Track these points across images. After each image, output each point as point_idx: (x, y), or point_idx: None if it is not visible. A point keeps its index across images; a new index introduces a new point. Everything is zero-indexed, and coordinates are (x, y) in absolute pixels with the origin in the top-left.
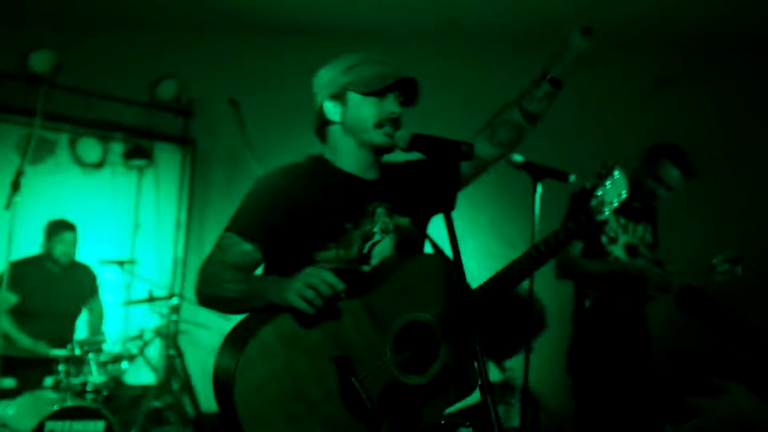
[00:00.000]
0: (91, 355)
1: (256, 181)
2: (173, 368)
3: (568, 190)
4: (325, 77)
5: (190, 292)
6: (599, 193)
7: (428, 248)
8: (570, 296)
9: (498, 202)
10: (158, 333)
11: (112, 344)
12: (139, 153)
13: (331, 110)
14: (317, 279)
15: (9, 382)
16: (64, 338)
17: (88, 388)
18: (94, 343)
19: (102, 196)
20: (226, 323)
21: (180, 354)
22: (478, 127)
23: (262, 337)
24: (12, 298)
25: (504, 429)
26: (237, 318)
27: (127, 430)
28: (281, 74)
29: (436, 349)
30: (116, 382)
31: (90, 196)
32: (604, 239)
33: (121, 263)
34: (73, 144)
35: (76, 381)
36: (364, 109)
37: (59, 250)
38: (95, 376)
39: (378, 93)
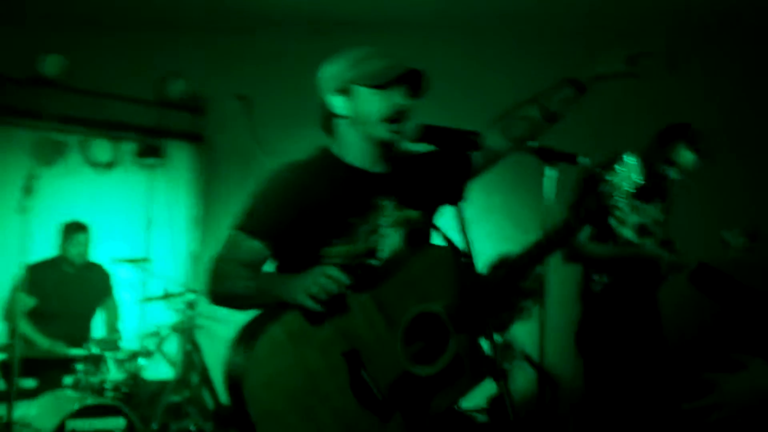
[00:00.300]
0: (108, 354)
1: (264, 179)
2: (191, 363)
3: (579, 172)
4: (331, 71)
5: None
6: (611, 179)
7: (437, 239)
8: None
9: (511, 187)
10: (175, 329)
11: (129, 342)
12: (150, 152)
13: (338, 104)
14: (322, 276)
15: (30, 383)
16: (81, 338)
17: (107, 386)
18: (111, 342)
19: (115, 195)
20: (243, 317)
21: (197, 348)
22: (479, 115)
23: (271, 334)
24: (30, 302)
25: (519, 415)
26: (255, 311)
27: (148, 426)
28: (289, 69)
29: (446, 339)
30: (135, 379)
31: (103, 196)
32: (613, 222)
33: (135, 261)
34: (84, 145)
35: (94, 379)
36: (371, 103)
37: (73, 252)
38: (113, 374)
39: (385, 86)
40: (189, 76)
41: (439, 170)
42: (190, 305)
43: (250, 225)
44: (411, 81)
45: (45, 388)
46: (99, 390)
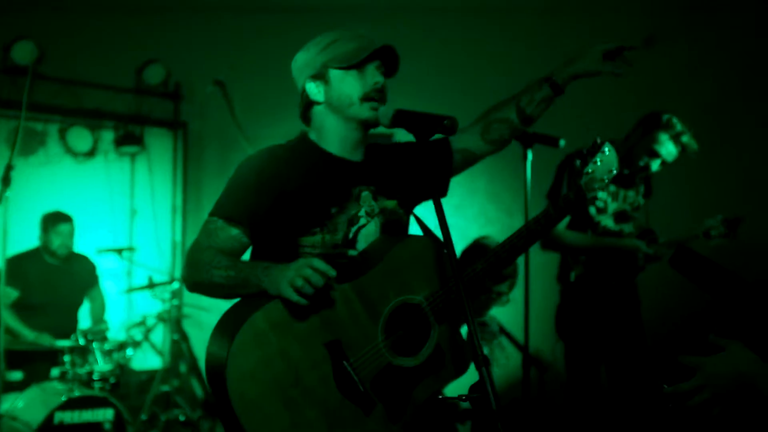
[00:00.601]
0: (95, 345)
1: (241, 164)
2: (179, 352)
3: (561, 154)
4: (303, 59)
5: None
6: (589, 170)
7: (415, 230)
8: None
9: (494, 170)
10: (161, 318)
11: (115, 332)
12: (130, 140)
13: (314, 90)
14: (308, 269)
15: (16, 375)
16: (67, 329)
17: (95, 377)
18: (97, 333)
19: (96, 185)
20: (229, 305)
21: (185, 338)
22: (459, 100)
23: (253, 323)
24: (13, 293)
25: (501, 403)
26: (235, 300)
27: (136, 416)
28: (267, 53)
29: (428, 330)
30: (122, 370)
31: (84, 186)
32: (592, 210)
33: (119, 251)
34: (63, 134)
35: (82, 371)
36: (348, 85)
37: (56, 243)
38: (101, 365)
39: (358, 65)
40: (167, 62)
41: (419, 163)
42: (176, 294)
43: (227, 211)
44: (384, 58)
45: (32, 381)
46: (87, 381)
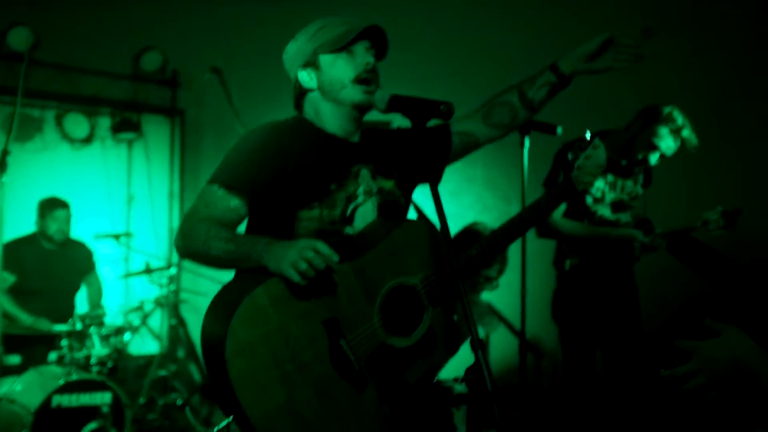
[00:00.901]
0: (92, 329)
1: (243, 136)
2: (177, 337)
3: (558, 142)
4: (293, 49)
5: (188, 262)
6: (579, 164)
7: (411, 213)
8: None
9: (492, 157)
10: (159, 303)
11: (113, 317)
12: (127, 126)
13: (306, 78)
14: (312, 252)
15: (14, 359)
16: (64, 314)
17: (92, 361)
18: (94, 317)
19: (93, 171)
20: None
21: (183, 322)
22: (458, 89)
23: (253, 298)
24: (10, 278)
25: (497, 385)
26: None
27: (134, 400)
28: (265, 40)
29: (422, 312)
30: (120, 354)
31: (81, 172)
32: (589, 200)
33: (116, 237)
34: (59, 120)
35: (79, 355)
36: (338, 68)
37: (53, 228)
38: (98, 349)
39: (347, 47)
40: (165, 49)
41: (416, 148)
42: (173, 279)
43: (228, 179)
44: (373, 39)
45: (30, 365)
46: (84, 365)
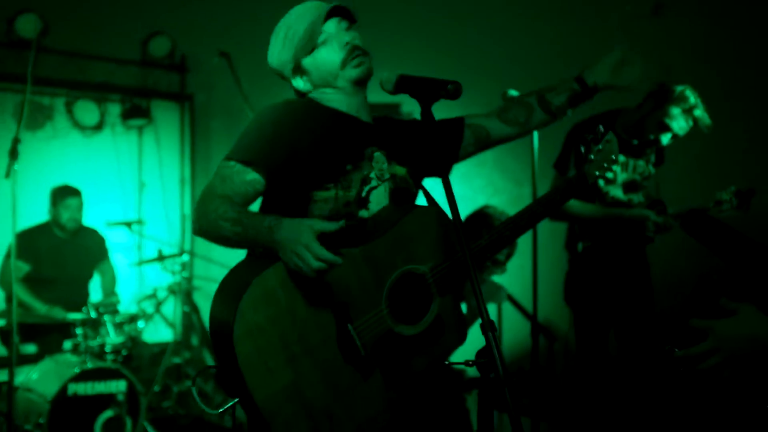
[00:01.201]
0: (106, 317)
1: (259, 113)
2: (191, 324)
3: (569, 123)
4: (276, 62)
5: (200, 248)
6: (592, 156)
7: (421, 200)
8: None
9: None
10: (172, 290)
11: (127, 305)
12: (137, 112)
13: (301, 84)
14: (311, 256)
15: (30, 348)
16: (78, 302)
17: (107, 349)
18: (108, 305)
19: (104, 158)
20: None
21: (196, 309)
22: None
23: (263, 280)
24: (24, 267)
25: (508, 369)
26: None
27: (149, 388)
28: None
29: (430, 300)
30: (134, 342)
31: (92, 159)
32: (601, 182)
33: (129, 224)
34: (69, 108)
35: (94, 343)
36: (323, 63)
37: (65, 216)
38: (113, 337)
39: (320, 41)
40: (173, 34)
41: (428, 138)
42: (186, 266)
43: (244, 155)
44: (337, 10)
45: (45, 353)
46: (99, 354)
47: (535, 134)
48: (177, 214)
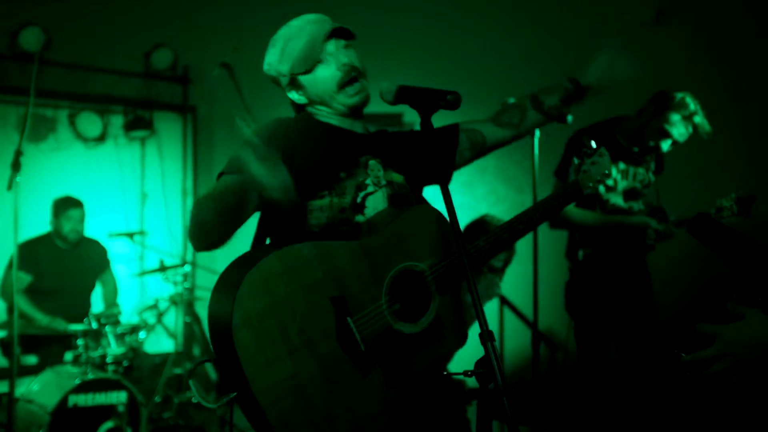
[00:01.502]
0: (108, 328)
1: (253, 131)
2: (192, 335)
3: (569, 130)
4: (272, 72)
5: (202, 259)
6: (585, 168)
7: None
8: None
9: (503, 148)
10: (173, 301)
11: (128, 316)
12: (139, 124)
13: (296, 97)
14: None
15: (31, 359)
16: (80, 313)
17: (108, 360)
18: (110, 316)
19: (107, 169)
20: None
21: (197, 320)
22: (464, 84)
23: (261, 268)
24: (25, 278)
25: (506, 378)
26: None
27: (150, 399)
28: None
29: (429, 299)
30: (135, 353)
31: (95, 171)
32: (601, 188)
33: (131, 235)
34: (72, 120)
35: (95, 354)
36: (319, 82)
37: (67, 228)
38: (114, 348)
39: (318, 60)
40: (175, 46)
41: (425, 147)
42: (187, 277)
43: (232, 168)
44: (339, 33)
45: (46, 364)
46: (100, 364)
47: (536, 142)
48: (179, 225)
